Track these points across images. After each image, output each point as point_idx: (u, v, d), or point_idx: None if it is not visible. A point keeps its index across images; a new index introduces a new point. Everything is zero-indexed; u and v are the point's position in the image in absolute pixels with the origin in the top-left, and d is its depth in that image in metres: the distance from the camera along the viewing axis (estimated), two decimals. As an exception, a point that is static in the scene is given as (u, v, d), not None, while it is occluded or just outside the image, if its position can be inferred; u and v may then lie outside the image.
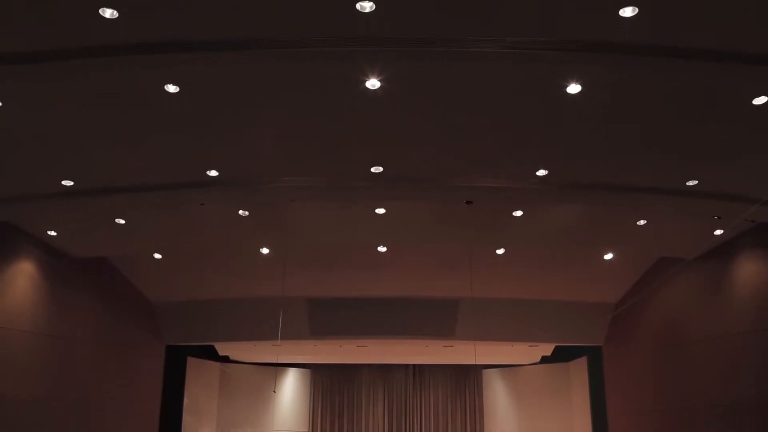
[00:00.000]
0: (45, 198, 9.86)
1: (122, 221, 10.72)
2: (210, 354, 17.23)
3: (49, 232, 11.35)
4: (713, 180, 9.23)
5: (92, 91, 7.03)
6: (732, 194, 9.53)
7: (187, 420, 16.45)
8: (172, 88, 6.86)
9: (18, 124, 7.69)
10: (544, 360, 17.82)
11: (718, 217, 10.35)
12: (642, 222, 10.73)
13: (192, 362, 16.80)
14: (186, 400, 16.46)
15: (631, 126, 7.80)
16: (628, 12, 5.59)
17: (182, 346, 15.91)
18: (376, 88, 6.81)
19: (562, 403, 17.40)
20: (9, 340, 10.96)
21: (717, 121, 7.57)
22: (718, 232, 10.88)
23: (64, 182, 9.28)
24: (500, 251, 12.26)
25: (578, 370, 16.89)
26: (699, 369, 11.87)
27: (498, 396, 19.06)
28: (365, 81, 6.72)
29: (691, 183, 9.23)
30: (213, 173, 9.10)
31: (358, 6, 5.58)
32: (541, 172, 9.08)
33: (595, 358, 15.76)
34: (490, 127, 7.93)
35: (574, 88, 6.80)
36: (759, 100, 6.94)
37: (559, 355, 17.24)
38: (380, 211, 10.42)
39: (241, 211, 10.43)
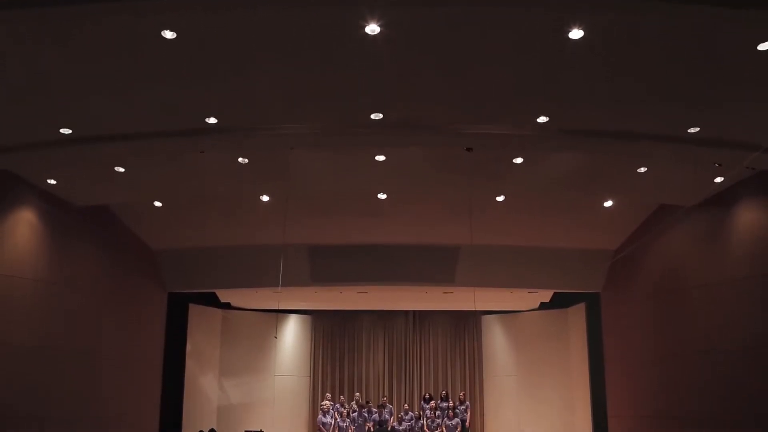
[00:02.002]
0: (44, 146, 9.83)
1: (122, 169, 10.70)
2: (212, 301, 17.39)
3: (48, 181, 11.34)
4: (715, 127, 9.18)
5: (89, 37, 6.95)
6: (733, 141, 9.50)
7: (190, 365, 16.69)
8: (169, 35, 6.79)
9: (15, 71, 7.63)
10: (543, 306, 17.98)
11: (719, 165, 10.33)
12: (642, 169, 10.70)
13: (194, 309, 16.97)
14: (188, 347, 16.67)
15: (633, 72, 7.71)
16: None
17: (184, 294, 16.05)
18: (375, 33, 6.73)
19: (560, 349, 17.63)
20: (12, 287, 11.03)
21: (721, 67, 7.49)
22: (718, 179, 10.88)
23: (62, 130, 9.24)
24: (500, 198, 12.26)
25: (576, 316, 17.07)
26: (698, 315, 11.99)
27: (497, 341, 19.28)
28: (365, 26, 6.63)
29: (692, 130, 9.19)
30: (212, 121, 9.05)
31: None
32: (542, 119, 9.03)
33: (593, 304, 15.90)
34: (490, 73, 7.85)
35: (576, 34, 6.72)
36: (763, 46, 6.86)
37: (558, 302, 17.39)
38: (380, 158, 10.39)
39: (240, 159, 10.40)
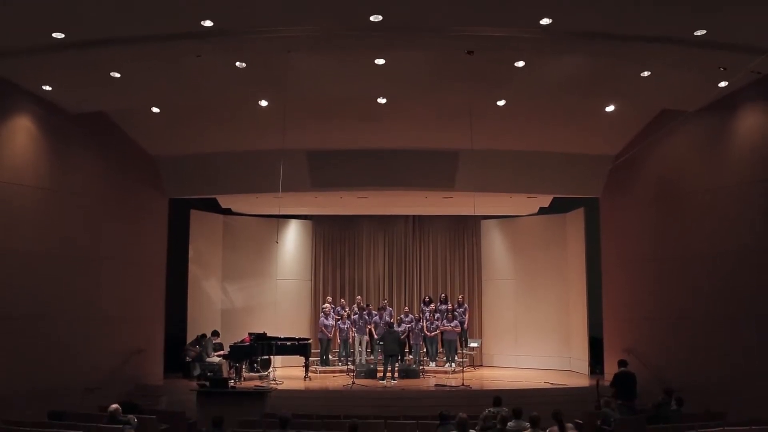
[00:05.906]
0: (36, 51, 9.68)
1: (117, 75, 10.56)
2: (213, 207, 17.46)
3: (44, 87, 11.21)
4: (722, 30, 9.01)
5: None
6: (739, 45, 9.34)
7: (193, 270, 16.92)
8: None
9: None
10: (542, 211, 18.08)
11: (724, 69, 10.19)
12: (646, 73, 10.57)
13: (195, 215, 17.07)
14: (191, 252, 16.85)
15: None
16: None
17: (185, 200, 16.10)
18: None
19: (558, 253, 17.82)
20: (13, 195, 11.11)
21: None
22: (722, 84, 10.75)
23: (54, 35, 9.06)
24: (501, 103, 12.15)
25: (575, 221, 17.19)
26: (699, 219, 12.11)
27: (496, 246, 19.47)
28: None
29: (698, 33, 9.02)
30: (208, 23, 8.87)
31: None
32: (545, 21, 8.85)
33: (592, 209, 15.99)
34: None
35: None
36: (776, -56, 6.66)
37: (557, 207, 17.47)
38: (380, 61, 10.24)
39: (238, 63, 10.25)
